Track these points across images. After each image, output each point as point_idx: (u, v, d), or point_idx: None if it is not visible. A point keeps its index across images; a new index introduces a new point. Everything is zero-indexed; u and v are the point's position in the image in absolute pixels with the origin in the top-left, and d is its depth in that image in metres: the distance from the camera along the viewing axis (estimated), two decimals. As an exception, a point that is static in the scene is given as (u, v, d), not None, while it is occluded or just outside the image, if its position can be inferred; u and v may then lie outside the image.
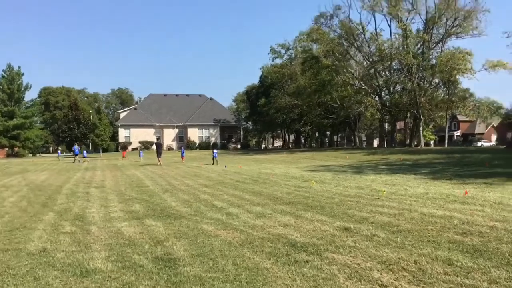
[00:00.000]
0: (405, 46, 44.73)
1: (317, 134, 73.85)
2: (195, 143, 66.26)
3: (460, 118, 75.68)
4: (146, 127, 66.63)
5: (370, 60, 49.14)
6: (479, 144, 63.96)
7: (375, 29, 48.46)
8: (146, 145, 62.49)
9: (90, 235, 7.12)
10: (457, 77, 43.63)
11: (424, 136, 49.96)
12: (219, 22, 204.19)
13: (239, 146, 69.70)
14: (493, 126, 79.45)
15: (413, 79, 44.37)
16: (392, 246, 5.87)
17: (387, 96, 50.54)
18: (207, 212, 9.10)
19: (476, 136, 78.83)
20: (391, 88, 49.94)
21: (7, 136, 56.87)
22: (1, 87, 58.99)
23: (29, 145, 60.01)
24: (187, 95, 76.93)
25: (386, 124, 56.03)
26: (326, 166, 25.03)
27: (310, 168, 23.64)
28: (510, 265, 4.91)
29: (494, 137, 78.55)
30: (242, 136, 74.92)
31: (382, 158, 30.62)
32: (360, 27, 47.80)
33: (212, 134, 69.69)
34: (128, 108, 79.84)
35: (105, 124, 57.35)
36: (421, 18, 45.73)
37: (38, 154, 65.38)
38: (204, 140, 68.04)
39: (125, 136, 66.44)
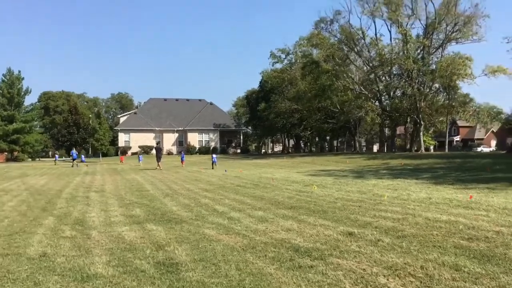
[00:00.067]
0: (405, 51, 44.77)
1: (317, 139, 73.80)
2: (195, 147, 66.18)
3: (459, 123, 75.74)
4: (146, 131, 66.54)
5: (370, 65, 49.18)
6: (479, 149, 63.88)
7: (375, 34, 48.59)
8: (146, 150, 62.39)
9: (91, 240, 7.03)
10: (457, 82, 43.71)
11: (424, 141, 49.91)
12: (220, 24, 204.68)
13: (239, 150, 69.61)
14: (492, 131, 79.51)
15: (413, 84, 44.40)
16: (398, 251, 5.78)
17: (387, 101, 50.55)
18: (208, 217, 9.02)
19: (475, 141, 78.80)
20: (391, 93, 49.97)
21: (7, 141, 56.80)
22: (1, 91, 59.00)
23: (29, 149, 59.92)
24: (187, 100, 76.92)
25: (386, 129, 56.00)
26: (327, 170, 24.94)
27: (310, 172, 23.56)
28: (518, 271, 4.82)
29: (493, 143, 78.58)
30: (242, 141, 74.85)
31: (382, 163, 30.55)
32: (360, 32, 47.91)
33: (212, 139, 69.63)
34: (128, 112, 79.82)
35: (105, 128, 57.46)
36: (421, 23, 45.91)
37: (37, 159, 65.25)
38: (204, 145, 67.95)
39: (125, 141, 66.34)
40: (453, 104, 45.96)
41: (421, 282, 4.58)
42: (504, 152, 40.76)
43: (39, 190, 16.12)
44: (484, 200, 10.28)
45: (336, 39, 50.02)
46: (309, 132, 64.44)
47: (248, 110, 76.37)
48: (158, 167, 29.76)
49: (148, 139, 65.98)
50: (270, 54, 64.26)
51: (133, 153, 61.45)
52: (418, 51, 46.66)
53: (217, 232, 7.39)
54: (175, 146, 68.24)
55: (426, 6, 43.93)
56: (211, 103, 75.93)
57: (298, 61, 62.12)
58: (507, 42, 36.16)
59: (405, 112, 47.64)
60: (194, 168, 29.93)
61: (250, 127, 77.63)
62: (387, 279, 4.68)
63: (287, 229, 7.47)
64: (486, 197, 10.93)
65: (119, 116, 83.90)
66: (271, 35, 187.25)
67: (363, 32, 47.85)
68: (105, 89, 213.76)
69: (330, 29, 49.67)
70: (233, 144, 71.64)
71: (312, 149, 75.07)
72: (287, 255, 5.74)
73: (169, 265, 5.39)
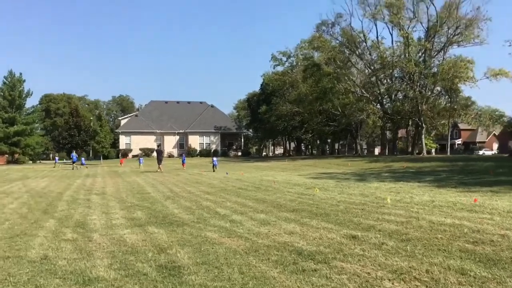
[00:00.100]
0: (407, 54, 44.79)
1: (318, 142, 73.72)
2: (196, 150, 66.15)
3: (461, 126, 75.62)
4: (147, 134, 66.56)
5: (372, 68, 49.17)
6: (481, 152, 63.73)
7: (377, 37, 48.61)
8: (147, 152, 62.38)
9: (92, 243, 6.98)
10: (458, 85, 43.68)
11: (425, 144, 49.82)
12: (221, 27, 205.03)
13: (239, 153, 69.55)
14: (494, 134, 79.33)
15: (415, 87, 44.37)
16: (402, 254, 5.71)
17: (389, 104, 50.52)
18: (210, 219, 8.96)
19: (477, 144, 78.67)
20: (393, 96, 49.97)
21: (8, 143, 56.79)
22: (2, 93, 59.08)
23: (30, 152, 59.88)
24: (188, 102, 76.95)
25: (388, 132, 55.90)
26: (329, 173, 24.87)
27: (312, 175, 23.49)
28: (525, 275, 4.76)
29: (495, 146, 78.41)
30: (243, 144, 74.81)
31: (384, 166, 30.46)
32: (362, 35, 47.89)
33: (213, 141, 69.60)
34: (129, 115, 79.85)
35: (106, 131, 57.34)
36: (422, 26, 45.97)
37: (38, 161, 65.23)
38: (205, 147, 67.93)
39: (126, 143, 66.37)
40: (455, 107, 45.93)
41: (427, 286, 4.52)
42: (507, 155, 40.68)
43: (40, 192, 16.08)
44: (488, 203, 10.20)
45: (337, 42, 50.08)
46: (310, 135, 64.30)
47: (249, 113, 76.33)
48: (159, 170, 29.72)
49: (149, 141, 65.96)
50: (272, 57, 64.32)
51: (134, 156, 61.44)
52: (420, 54, 46.61)
53: (219, 235, 7.33)
54: (176, 149, 68.22)
55: (427, 9, 44.08)
56: (212, 106, 75.97)
57: (299, 63, 62.12)
58: (509, 45, 36.10)
59: (406, 115, 47.56)
60: (195, 171, 29.88)
61: (251, 130, 77.56)
62: (393, 283, 4.62)
63: (289, 232, 7.41)
64: (490, 200, 10.85)
65: (120, 118, 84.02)
66: (273, 37, 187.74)
67: (364, 35, 47.88)
68: (106, 91, 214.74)
69: (331, 32, 49.74)
70: (234, 147, 71.61)
71: (313, 152, 74.98)
72: (290, 258, 5.68)
73: (171, 268, 5.33)
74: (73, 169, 36.62)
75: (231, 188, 16.24)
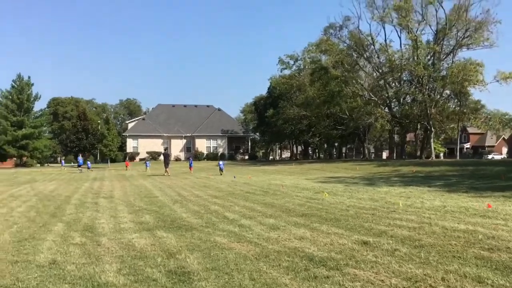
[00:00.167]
0: (416, 57, 44.46)
1: (325, 146, 73.45)
2: (203, 153, 66.14)
3: (470, 130, 75.05)
4: (154, 137, 66.70)
5: (380, 71, 48.90)
6: (490, 156, 63.09)
7: (385, 40, 48.13)
8: (154, 156, 62.51)
9: (101, 247, 6.91)
10: (468, 88, 43.26)
11: (434, 148, 49.39)
12: (229, 30, 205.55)
13: (246, 157, 69.46)
14: (504, 138, 78.63)
15: (424, 90, 44.04)
16: (416, 261, 5.58)
17: (397, 108, 50.12)
18: (219, 224, 8.87)
19: (486, 148, 77.96)
20: (401, 99, 49.54)
21: (16, 146, 57.28)
22: (10, 97, 59.62)
23: (37, 155, 60.33)
24: (195, 106, 77.07)
25: (396, 135, 55.50)
26: (337, 177, 24.70)
27: (320, 179, 23.34)
28: (545, 284, 4.61)
29: (505, 150, 77.67)
30: (249, 147, 74.74)
31: (393, 170, 30.23)
32: (370, 38, 47.62)
33: (220, 145, 69.57)
34: (136, 118, 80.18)
35: (113, 134, 57.74)
36: (431, 29, 45.56)
37: (46, 164, 65.68)
38: (211, 151, 67.88)
39: (133, 146, 66.57)
40: (465, 110, 45.47)
41: (443, 295, 4.39)
42: (517, 159, 40.20)
43: (48, 195, 16.10)
44: (501, 209, 10.02)
45: (345, 45, 49.88)
46: (317, 139, 64.15)
47: (256, 116, 76.28)
48: (166, 173, 29.72)
49: (156, 145, 66.10)
50: (279, 60, 64.20)
51: (141, 159, 61.61)
52: (429, 57, 46.25)
53: (229, 240, 7.24)
54: (183, 152, 68.29)
55: (436, 12, 43.67)
56: (219, 109, 76.01)
57: (306, 67, 61.93)
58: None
59: (415, 119, 47.19)
60: (203, 174, 29.83)
61: (258, 134, 77.49)
62: (408, 291, 4.50)
63: (300, 237, 7.30)
64: (503, 206, 10.66)
65: (127, 122, 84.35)
66: (280, 41, 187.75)
67: (372, 38, 47.60)
68: (113, 95, 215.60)
69: (339, 35, 49.56)
70: (241, 150, 71.52)
71: (321, 155, 74.71)
72: (302, 264, 5.57)
73: (181, 274, 5.25)
74: (80, 172, 36.82)
75: (239, 192, 16.15)
